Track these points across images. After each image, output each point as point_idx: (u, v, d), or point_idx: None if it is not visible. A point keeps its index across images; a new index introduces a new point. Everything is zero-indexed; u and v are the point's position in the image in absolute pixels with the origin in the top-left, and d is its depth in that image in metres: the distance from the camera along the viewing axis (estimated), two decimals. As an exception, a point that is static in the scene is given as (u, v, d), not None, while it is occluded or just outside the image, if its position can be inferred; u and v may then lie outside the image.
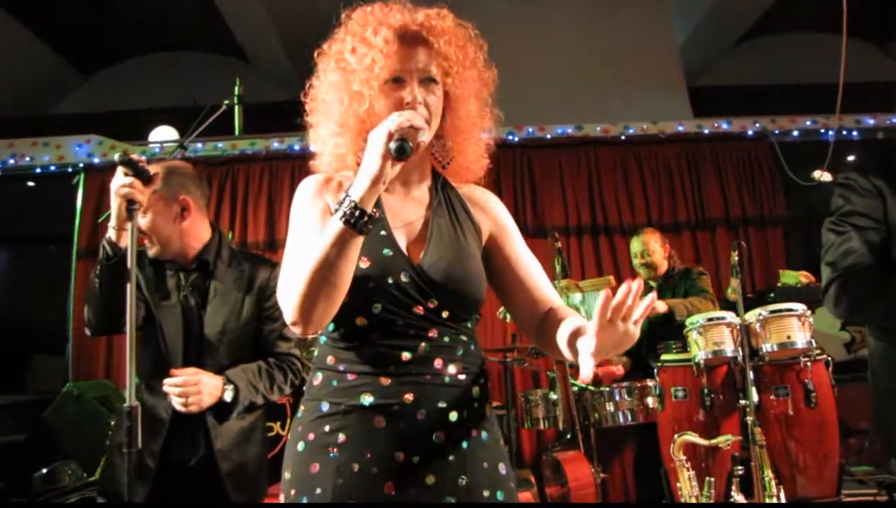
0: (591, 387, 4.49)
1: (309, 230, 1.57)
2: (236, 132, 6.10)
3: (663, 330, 4.79)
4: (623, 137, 6.75)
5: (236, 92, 5.13)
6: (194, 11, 8.12)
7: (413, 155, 1.43)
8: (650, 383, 4.39)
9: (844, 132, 7.11)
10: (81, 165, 6.77)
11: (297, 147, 6.55)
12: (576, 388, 4.41)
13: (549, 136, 6.70)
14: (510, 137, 6.59)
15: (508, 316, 4.14)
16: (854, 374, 4.72)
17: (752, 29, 8.99)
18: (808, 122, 7.18)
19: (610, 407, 4.41)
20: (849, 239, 1.96)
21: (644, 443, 4.77)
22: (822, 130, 7.13)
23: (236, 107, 4.95)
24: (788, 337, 4.03)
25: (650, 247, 5.13)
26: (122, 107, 8.76)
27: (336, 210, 1.44)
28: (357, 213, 1.41)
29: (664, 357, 4.46)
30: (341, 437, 1.53)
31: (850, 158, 6.36)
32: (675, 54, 8.19)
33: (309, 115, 1.70)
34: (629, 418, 4.42)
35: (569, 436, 3.90)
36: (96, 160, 6.76)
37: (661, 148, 6.74)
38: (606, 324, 1.30)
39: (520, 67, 7.05)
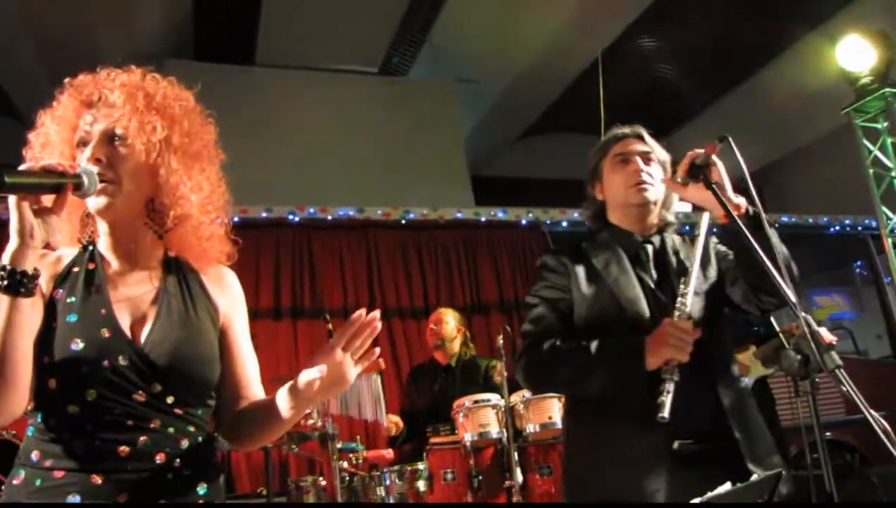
0: (361, 473, 4.40)
1: None
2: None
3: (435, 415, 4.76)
4: (403, 222, 6.88)
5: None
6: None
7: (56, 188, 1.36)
8: (420, 466, 4.35)
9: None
10: None
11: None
12: (346, 475, 4.30)
13: (330, 218, 6.68)
14: (291, 217, 6.51)
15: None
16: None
17: (530, 127, 9.64)
18: (576, 214, 7.71)
19: (380, 491, 4.30)
20: (538, 306, 2.19)
21: (415, 528, 4.69)
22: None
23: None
24: (550, 418, 4.19)
25: (443, 317, 5.04)
26: None
27: None
28: (5, 273, 1.31)
29: (433, 440, 4.47)
30: None
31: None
32: (460, 145, 8.55)
33: None
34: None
35: (334, 525, 3.78)
36: None
37: (440, 233, 6.94)
38: (340, 344, 1.47)
39: (303, 148, 7.10)
